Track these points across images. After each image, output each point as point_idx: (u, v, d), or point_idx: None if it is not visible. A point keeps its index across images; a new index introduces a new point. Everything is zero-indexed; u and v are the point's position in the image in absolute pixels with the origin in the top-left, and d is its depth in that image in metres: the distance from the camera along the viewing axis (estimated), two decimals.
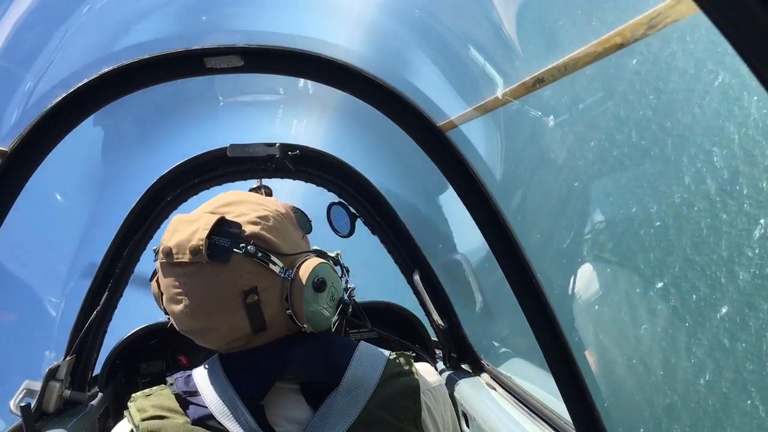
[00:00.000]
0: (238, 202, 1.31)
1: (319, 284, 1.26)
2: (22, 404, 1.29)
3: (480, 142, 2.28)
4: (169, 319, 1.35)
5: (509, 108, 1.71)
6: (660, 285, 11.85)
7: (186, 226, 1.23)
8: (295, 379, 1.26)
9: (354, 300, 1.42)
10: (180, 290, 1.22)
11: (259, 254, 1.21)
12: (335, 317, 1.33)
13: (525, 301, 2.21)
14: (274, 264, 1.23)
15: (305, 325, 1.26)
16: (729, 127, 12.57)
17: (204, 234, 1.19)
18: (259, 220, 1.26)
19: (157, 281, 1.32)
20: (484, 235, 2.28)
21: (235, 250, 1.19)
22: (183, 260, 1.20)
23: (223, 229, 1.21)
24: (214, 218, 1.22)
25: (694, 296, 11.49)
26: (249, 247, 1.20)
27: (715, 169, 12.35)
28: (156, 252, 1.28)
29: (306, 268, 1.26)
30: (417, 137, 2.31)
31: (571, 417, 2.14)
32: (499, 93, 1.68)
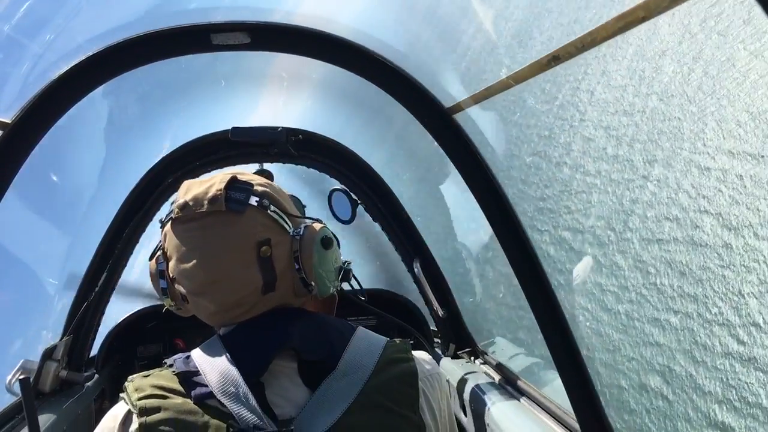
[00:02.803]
0: (243, 173, 1.36)
1: (327, 241, 1.32)
2: (22, 377, 1.27)
3: (489, 125, 2.26)
4: (164, 301, 1.35)
5: (521, 88, 1.68)
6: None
7: (200, 185, 1.28)
8: (293, 356, 1.25)
9: (351, 271, 1.49)
10: (193, 244, 1.24)
11: (272, 208, 1.27)
12: (336, 283, 1.39)
13: (529, 289, 2.19)
14: (284, 221, 1.29)
15: (312, 284, 1.30)
16: None
17: (221, 186, 1.25)
18: (266, 183, 1.33)
19: (157, 260, 1.31)
20: (489, 222, 2.26)
21: (250, 202, 1.25)
22: (201, 211, 1.23)
23: (237, 186, 1.27)
24: (228, 176, 1.28)
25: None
26: (264, 200, 1.26)
27: None
28: (163, 221, 1.31)
29: (314, 227, 1.33)
30: (424, 120, 2.28)
31: (573, 406, 2.12)
32: (512, 72, 1.65)
